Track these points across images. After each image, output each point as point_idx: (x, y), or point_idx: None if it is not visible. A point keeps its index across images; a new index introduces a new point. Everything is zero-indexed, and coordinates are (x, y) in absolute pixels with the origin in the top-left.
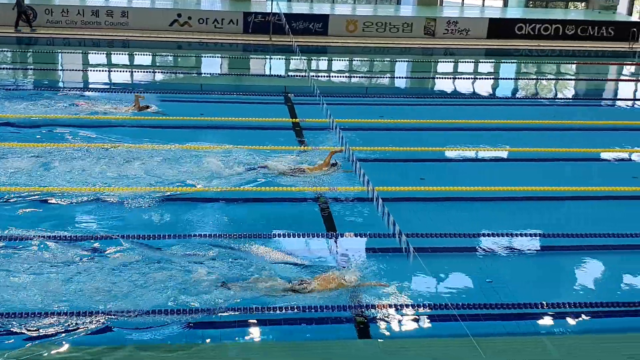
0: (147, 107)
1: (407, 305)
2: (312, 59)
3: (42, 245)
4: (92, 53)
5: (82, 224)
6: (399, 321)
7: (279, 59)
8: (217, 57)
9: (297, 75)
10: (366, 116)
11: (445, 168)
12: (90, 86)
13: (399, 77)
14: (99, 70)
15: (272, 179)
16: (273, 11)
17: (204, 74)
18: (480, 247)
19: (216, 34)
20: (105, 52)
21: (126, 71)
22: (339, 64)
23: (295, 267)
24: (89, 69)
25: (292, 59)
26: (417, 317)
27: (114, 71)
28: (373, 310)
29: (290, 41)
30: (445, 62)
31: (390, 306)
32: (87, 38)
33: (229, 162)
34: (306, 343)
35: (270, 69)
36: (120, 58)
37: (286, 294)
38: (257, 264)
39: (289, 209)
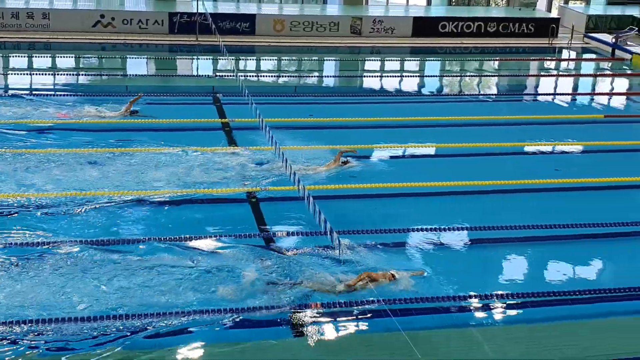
0: (137, 111)
1: (340, 304)
2: (240, 59)
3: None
4: (14, 56)
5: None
6: (333, 321)
7: (206, 59)
8: (143, 58)
9: (225, 75)
10: (296, 115)
11: (375, 165)
12: (11, 90)
13: (328, 76)
14: (21, 74)
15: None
16: (199, 11)
17: (130, 75)
18: (411, 242)
19: (141, 34)
20: (26, 55)
21: (49, 74)
22: (267, 63)
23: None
24: (9, 72)
25: (219, 59)
26: (352, 314)
27: (37, 74)
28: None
29: (217, 41)
30: (372, 60)
31: (323, 305)
32: (7, 41)
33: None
34: None
35: (197, 69)
36: (43, 61)
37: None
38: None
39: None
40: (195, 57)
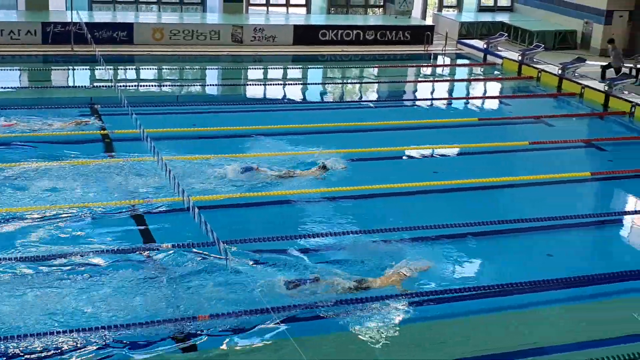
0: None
1: (230, 314)
2: (118, 69)
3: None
4: None
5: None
6: (226, 330)
7: (83, 69)
8: (15, 69)
9: (103, 86)
10: (179, 125)
11: (263, 174)
12: None
13: (210, 85)
14: None
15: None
16: (73, 20)
17: (2, 88)
18: (302, 248)
19: (13, 45)
20: None
21: None
22: (148, 72)
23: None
24: None
25: (96, 69)
26: (240, 323)
27: None
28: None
29: (93, 51)
30: (255, 68)
31: (211, 316)
32: None
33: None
34: None
35: (74, 80)
36: None
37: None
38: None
39: None
40: (71, 67)
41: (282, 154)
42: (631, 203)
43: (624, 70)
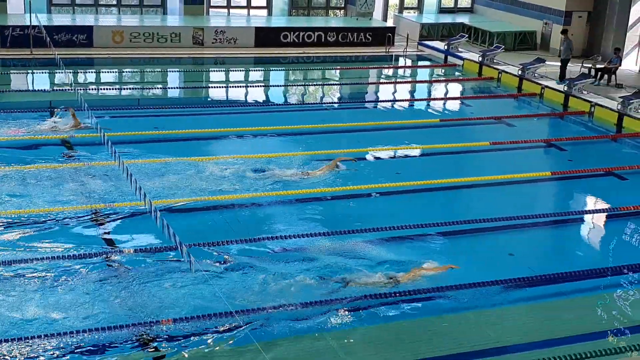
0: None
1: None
2: (78, 72)
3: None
4: None
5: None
6: (190, 334)
7: (42, 73)
8: None
9: (63, 89)
10: (140, 128)
11: (228, 176)
12: None
13: (172, 88)
14: None
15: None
16: (32, 24)
17: None
18: (251, 249)
19: None
20: None
21: None
22: (108, 75)
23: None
24: None
25: (56, 72)
26: (204, 326)
27: None
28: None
29: (52, 54)
30: (217, 71)
31: (175, 320)
32: None
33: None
34: None
35: (33, 83)
36: None
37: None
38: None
39: None
40: (30, 71)
41: (244, 157)
42: (591, 202)
43: (582, 70)
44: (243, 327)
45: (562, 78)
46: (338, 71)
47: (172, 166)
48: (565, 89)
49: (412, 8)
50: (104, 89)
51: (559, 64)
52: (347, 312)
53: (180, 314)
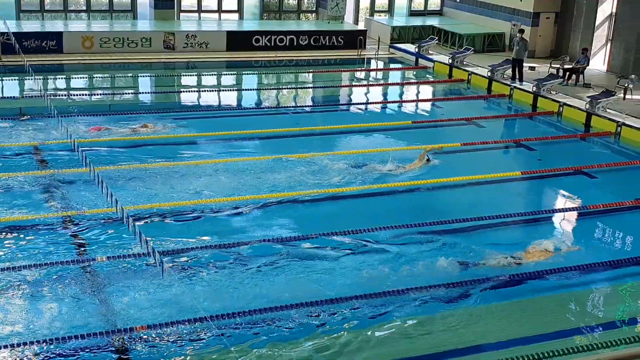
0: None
1: (167, 324)
2: (48, 78)
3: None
4: None
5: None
6: (165, 340)
7: (12, 79)
8: None
9: (32, 96)
10: (112, 134)
11: (201, 181)
12: None
13: (143, 92)
14: None
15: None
16: (1, 30)
17: None
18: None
19: None
20: None
21: None
22: (78, 81)
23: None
24: None
25: (26, 79)
26: (178, 332)
27: None
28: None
29: (22, 61)
30: (188, 75)
31: (152, 327)
32: None
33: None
34: None
35: (2, 90)
36: None
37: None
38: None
39: None
40: None
41: (217, 161)
42: (561, 201)
43: (551, 70)
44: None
45: (514, 78)
46: (310, 74)
47: (140, 172)
48: (534, 89)
49: (382, 11)
50: (74, 95)
51: (529, 65)
52: (304, 319)
53: (156, 320)
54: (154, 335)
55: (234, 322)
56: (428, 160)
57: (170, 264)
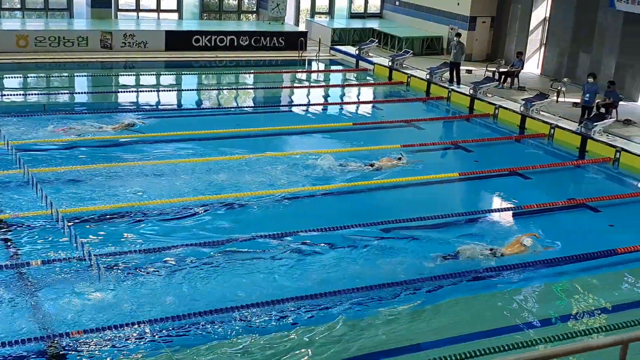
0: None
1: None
2: None
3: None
4: None
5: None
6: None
7: None
8: None
9: None
10: (47, 135)
11: (140, 183)
12: None
13: (80, 92)
14: None
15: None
16: None
17: None
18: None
19: None
20: None
21: None
22: (12, 81)
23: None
24: None
25: None
26: (117, 336)
27: None
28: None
29: None
30: (126, 75)
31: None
32: None
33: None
34: None
35: None
36: None
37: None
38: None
39: None
40: None
41: (152, 163)
42: (497, 201)
43: (487, 74)
44: (153, 335)
45: (452, 81)
46: (251, 75)
47: (75, 174)
48: (471, 92)
49: (323, 13)
50: (7, 95)
51: (467, 68)
52: (253, 319)
53: (92, 324)
54: (90, 340)
55: (171, 326)
56: (400, 158)
57: (107, 267)
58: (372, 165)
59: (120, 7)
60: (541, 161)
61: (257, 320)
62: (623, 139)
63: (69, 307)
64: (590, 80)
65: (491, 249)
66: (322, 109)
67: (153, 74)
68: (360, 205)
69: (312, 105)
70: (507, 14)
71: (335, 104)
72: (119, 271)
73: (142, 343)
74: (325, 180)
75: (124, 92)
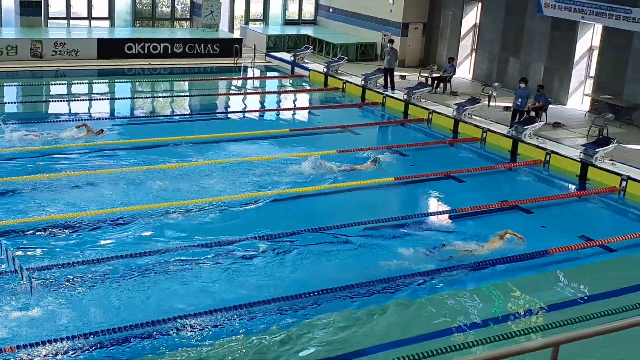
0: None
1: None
2: None
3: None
4: None
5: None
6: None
7: None
8: None
9: None
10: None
11: (72, 194)
12: None
13: (9, 102)
14: None
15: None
16: None
17: None
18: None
19: None
20: None
21: None
22: None
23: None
24: None
25: None
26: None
27: None
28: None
29: None
30: (58, 84)
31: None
32: None
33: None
34: None
35: None
36: None
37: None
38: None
39: None
40: None
41: (88, 172)
42: (433, 204)
43: (420, 79)
44: (88, 349)
45: (386, 87)
46: (186, 83)
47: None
48: (405, 97)
49: (257, 20)
50: None
51: (400, 74)
52: (189, 330)
53: (26, 340)
54: (24, 356)
55: (107, 339)
56: (375, 160)
57: (39, 281)
58: (352, 168)
59: (50, 15)
60: (474, 164)
61: (192, 332)
62: (552, 141)
63: (1, 323)
64: (523, 85)
65: (476, 244)
66: (259, 116)
67: (85, 83)
68: (295, 211)
69: (248, 112)
70: (439, 20)
71: (272, 110)
72: (52, 285)
73: (78, 358)
74: (261, 186)
75: (55, 101)
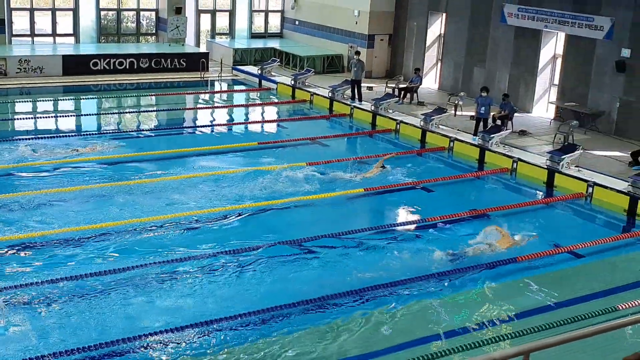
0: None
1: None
2: None
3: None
4: None
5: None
6: None
7: None
8: None
9: None
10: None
11: (40, 211)
12: None
13: None
14: None
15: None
16: None
17: None
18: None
19: None
20: None
21: None
22: None
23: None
24: None
25: None
26: None
27: None
28: None
29: None
30: (23, 101)
31: None
32: None
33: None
34: None
35: None
36: None
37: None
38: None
39: None
40: None
41: (57, 190)
42: (402, 214)
43: (387, 90)
44: None
45: (354, 98)
46: (153, 98)
47: None
48: (373, 108)
49: (224, 33)
50: None
51: (367, 85)
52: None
53: None
54: None
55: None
56: (384, 167)
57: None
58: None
59: (14, 32)
60: (443, 174)
61: (162, 350)
62: (519, 149)
63: None
64: (484, 94)
65: (489, 244)
66: (227, 129)
67: (50, 100)
68: (266, 224)
69: (216, 125)
70: (404, 31)
71: (240, 123)
72: (18, 305)
73: None
74: (230, 200)
75: (20, 119)
